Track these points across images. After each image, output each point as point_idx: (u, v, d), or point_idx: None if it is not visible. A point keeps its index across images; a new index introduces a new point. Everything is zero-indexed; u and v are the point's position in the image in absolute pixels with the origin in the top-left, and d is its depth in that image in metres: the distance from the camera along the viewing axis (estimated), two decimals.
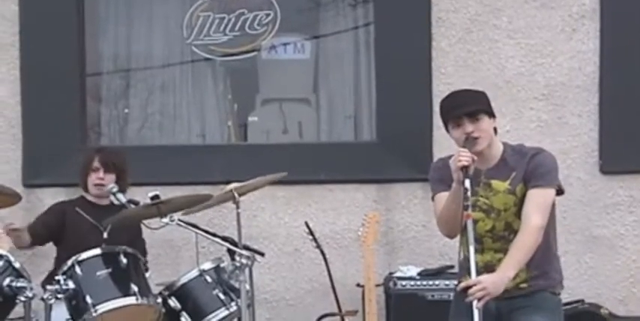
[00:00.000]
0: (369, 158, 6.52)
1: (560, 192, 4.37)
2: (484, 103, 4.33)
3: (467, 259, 4.07)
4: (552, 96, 6.41)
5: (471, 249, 4.05)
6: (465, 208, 4.09)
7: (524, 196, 4.27)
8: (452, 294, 5.80)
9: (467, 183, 4.10)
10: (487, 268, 4.25)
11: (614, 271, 6.40)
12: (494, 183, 4.28)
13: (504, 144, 4.39)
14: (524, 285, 4.30)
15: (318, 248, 5.96)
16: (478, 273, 4.15)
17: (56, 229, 5.60)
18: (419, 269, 6.14)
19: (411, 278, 6.04)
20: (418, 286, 5.99)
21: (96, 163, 5.62)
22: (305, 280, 6.50)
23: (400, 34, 6.48)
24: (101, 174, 5.60)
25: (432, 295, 5.95)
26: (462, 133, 4.25)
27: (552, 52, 6.41)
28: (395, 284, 6.00)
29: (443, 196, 4.33)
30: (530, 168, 4.27)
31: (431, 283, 5.99)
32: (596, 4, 6.37)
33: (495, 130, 4.34)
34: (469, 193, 4.09)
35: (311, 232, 5.96)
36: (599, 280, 6.42)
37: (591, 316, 6.07)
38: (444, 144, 6.37)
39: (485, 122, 4.27)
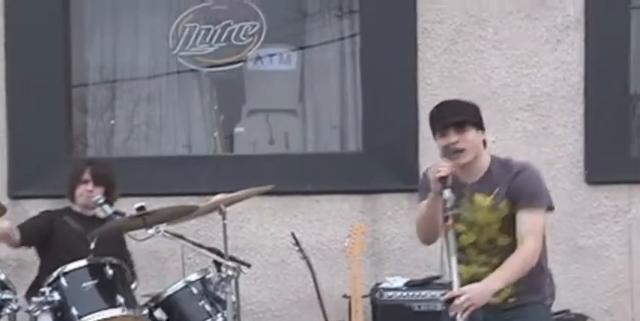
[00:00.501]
0: (356, 169, 6.52)
1: (550, 208, 4.31)
2: (472, 115, 4.28)
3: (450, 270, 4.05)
4: (538, 106, 6.43)
5: (453, 260, 4.04)
6: (445, 219, 4.07)
7: (510, 212, 4.20)
8: (439, 305, 5.88)
9: (446, 193, 4.08)
10: (472, 281, 4.18)
11: (599, 281, 6.41)
12: (477, 198, 4.22)
13: (492, 157, 4.33)
14: (512, 300, 4.24)
15: (305, 259, 5.95)
16: (462, 285, 4.12)
17: (45, 234, 5.58)
18: (405, 280, 6.13)
19: (397, 289, 6.04)
20: (405, 296, 5.99)
21: (86, 176, 5.61)
22: (291, 291, 6.50)
23: (386, 45, 6.49)
24: (90, 187, 5.59)
25: (419, 306, 5.95)
26: (446, 143, 4.21)
27: (537, 63, 6.44)
28: (381, 295, 6.00)
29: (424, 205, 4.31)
30: (516, 186, 4.20)
31: (417, 293, 5.99)
32: (580, 14, 6.40)
33: (485, 143, 4.29)
34: (448, 204, 4.06)
35: (297, 243, 5.95)
36: (585, 290, 6.43)
37: None
38: (431, 154, 6.38)
39: (472, 134, 4.22)
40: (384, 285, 6.11)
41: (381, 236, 6.47)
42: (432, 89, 6.45)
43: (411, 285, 6.06)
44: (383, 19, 6.49)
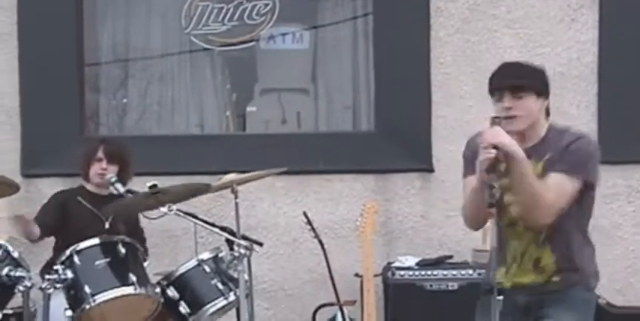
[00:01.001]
0: (368, 148, 6.52)
1: (590, 188, 4.02)
2: (534, 79, 3.99)
3: (495, 250, 3.81)
4: (551, 86, 6.36)
5: (493, 251, 3.80)
6: (490, 205, 3.77)
7: None
8: (450, 284, 5.90)
9: (494, 178, 3.76)
10: (518, 256, 4.02)
11: (612, 260, 6.40)
12: (531, 163, 3.89)
13: (550, 125, 4.05)
14: (556, 278, 4.02)
15: (317, 238, 5.96)
16: (514, 259, 3.99)
17: (60, 220, 5.59)
18: (417, 259, 6.14)
19: (409, 268, 6.05)
20: (416, 276, 5.99)
21: (100, 154, 5.62)
22: (303, 270, 6.51)
23: (399, 24, 6.47)
24: (104, 164, 5.59)
25: (431, 285, 5.95)
26: (501, 108, 3.93)
27: (551, 42, 6.41)
28: (393, 274, 6.01)
29: (470, 182, 4.01)
30: (566, 152, 3.93)
31: (429, 273, 6.00)
32: None
33: (548, 111, 4.03)
34: (495, 191, 3.75)
35: (309, 222, 5.95)
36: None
37: None
38: (443, 133, 6.41)
39: (530, 101, 3.94)
40: (396, 264, 6.11)
41: (393, 216, 6.47)
42: (445, 68, 6.43)
43: (423, 264, 6.06)
44: None
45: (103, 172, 5.58)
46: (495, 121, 3.87)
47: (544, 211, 3.90)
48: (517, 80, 3.94)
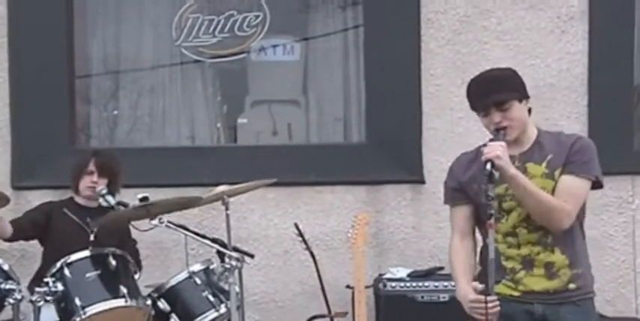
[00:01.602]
0: (359, 160, 6.52)
1: (598, 185, 4.08)
2: (513, 88, 4.02)
3: (491, 263, 3.83)
4: (541, 97, 6.41)
5: (491, 264, 3.81)
6: (489, 216, 3.79)
7: None
8: (442, 295, 5.89)
9: (490, 189, 3.80)
10: (525, 262, 4.02)
11: (603, 271, 6.40)
12: (530, 166, 4.00)
13: (539, 129, 4.13)
14: (572, 285, 4.04)
15: (308, 250, 5.96)
16: (514, 271, 4.00)
17: (40, 228, 5.59)
18: (408, 271, 6.14)
19: (400, 280, 6.05)
20: (408, 287, 5.99)
21: (91, 167, 5.61)
22: (295, 282, 6.50)
23: (389, 35, 6.48)
24: (95, 178, 5.59)
25: (422, 297, 5.95)
26: (489, 122, 3.98)
27: (541, 54, 6.43)
28: (384, 286, 6.01)
29: (455, 211, 4.12)
30: (572, 152, 3.98)
31: (420, 284, 5.99)
32: (584, 5, 6.39)
33: (529, 111, 4.07)
34: (492, 201, 3.79)
35: (300, 234, 5.96)
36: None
37: None
38: (434, 145, 6.42)
39: (516, 109, 3.99)
40: (388, 276, 6.11)
41: (385, 227, 6.47)
42: (435, 80, 6.45)
43: (415, 276, 6.07)
44: (386, 10, 6.49)
45: (93, 185, 5.57)
46: (499, 132, 3.95)
47: (562, 216, 3.95)
48: (499, 95, 3.98)
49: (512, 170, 3.88)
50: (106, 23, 6.98)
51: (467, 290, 3.96)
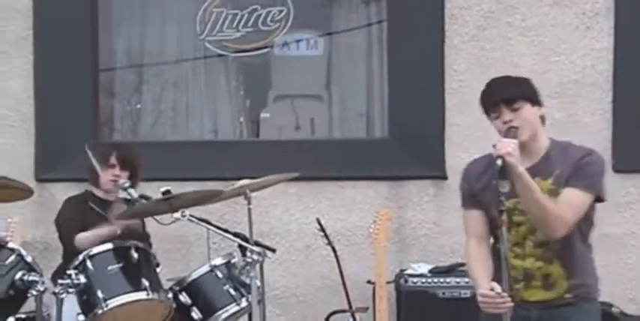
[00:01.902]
0: (381, 155, 6.51)
1: (599, 200, 4.05)
2: (524, 89, 4.02)
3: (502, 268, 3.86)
4: (565, 94, 6.39)
5: (503, 253, 3.84)
6: (500, 213, 3.82)
7: None
8: (463, 292, 5.88)
9: (504, 184, 3.79)
10: (525, 276, 4.03)
11: (625, 269, 6.38)
12: (537, 182, 3.94)
13: (551, 139, 4.08)
14: (568, 296, 4.04)
15: (330, 245, 5.96)
16: (515, 280, 3.98)
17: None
18: (430, 266, 6.13)
19: (422, 275, 6.04)
20: (429, 283, 5.98)
21: (113, 160, 5.60)
22: (316, 277, 6.51)
23: (413, 31, 6.47)
24: (117, 171, 5.58)
25: (443, 293, 5.94)
26: (501, 123, 3.96)
27: (566, 50, 6.40)
28: (406, 281, 6.00)
29: (471, 216, 4.12)
30: (579, 166, 3.96)
31: (442, 280, 5.99)
32: (610, 2, 6.35)
33: (543, 119, 4.04)
34: (503, 198, 3.79)
35: (322, 229, 5.96)
36: (611, 278, 6.37)
37: (603, 315, 5.99)
38: (456, 141, 6.40)
39: (527, 111, 3.96)
40: (409, 271, 6.10)
41: (407, 223, 6.46)
42: (459, 75, 6.43)
43: (436, 272, 6.06)
44: (410, 5, 6.47)
45: (115, 178, 5.57)
46: (511, 130, 3.92)
47: (558, 224, 3.93)
48: (508, 92, 3.98)
49: (521, 169, 3.85)
50: (130, 17, 7.00)
51: (485, 286, 3.94)
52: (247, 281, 5.05)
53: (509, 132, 3.93)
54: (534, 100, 4.03)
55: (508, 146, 3.84)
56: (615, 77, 6.36)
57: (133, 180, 5.56)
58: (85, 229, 5.52)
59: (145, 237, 5.70)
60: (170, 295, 5.13)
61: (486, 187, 4.05)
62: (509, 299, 3.86)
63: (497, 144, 3.89)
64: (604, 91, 6.39)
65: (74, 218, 5.58)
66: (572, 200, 3.95)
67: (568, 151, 4.05)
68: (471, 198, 4.14)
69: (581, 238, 4.10)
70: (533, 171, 3.95)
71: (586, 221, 4.08)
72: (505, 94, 3.97)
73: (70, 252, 5.43)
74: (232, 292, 5.22)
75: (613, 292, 6.33)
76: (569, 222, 3.94)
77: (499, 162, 3.82)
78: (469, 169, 4.21)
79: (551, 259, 4.02)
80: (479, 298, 3.93)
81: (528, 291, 4.06)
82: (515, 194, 3.91)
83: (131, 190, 5.43)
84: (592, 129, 6.38)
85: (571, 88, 6.40)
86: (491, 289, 3.88)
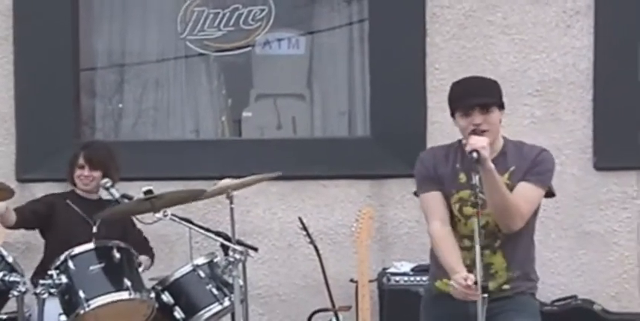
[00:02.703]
0: (363, 154, 6.52)
1: (550, 194, 4.28)
2: (497, 95, 4.20)
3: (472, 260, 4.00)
4: (546, 92, 6.41)
5: (477, 248, 3.93)
6: (474, 205, 3.93)
7: None
8: None
9: (475, 178, 3.94)
10: (473, 265, 4.07)
11: (607, 267, 6.41)
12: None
13: (504, 138, 4.28)
14: (506, 287, 4.20)
15: (312, 244, 5.96)
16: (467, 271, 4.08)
17: (43, 219, 5.58)
18: (412, 265, 6.13)
19: (404, 274, 6.05)
20: (412, 281, 5.99)
21: (81, 160, 5.61)
22: (298, 276, 6.51)
23: (394, 30, 6.48)
24: (86, 171, 5.59)
25: None
26: (469, 124, 4.11)
27: (546, 48, 6.42)
28: (388, 280, 6.01)
29: (432, 197, 4.25)
30: (534, 163, 4.16)
31: (424, 278, 5.96)
32: (590, 0, 6.37)
33: (499, 121, 4.21)
34: (478, 190, 3.92)
35: (304, 228, 5.96)
36: (592, 276, 6.42)
37: (584, 312, 6.08)
38: (438, 139, 6.39)
39: (495, 115, 4.14)
40: (392, 270, 6.11)
41: (389, 221, 6.47)
42: (440, 74, 6.44)
43: (418, 270, 6.05)
44: (391, 4, 6.48)
45: (84, 178, 5.59)
46: (476, 131, 4.08)
47: (516, 217, 4.12)
48: (486, 98, 4.14)
49: (490, 163, 4.00)
50: (111, 16, 6.97)
51: (461, 270, 4.09)
52: (230, 280, 5.05)
53: (474, 132, 4.08)
54: (502, 104, 4.21)
55: (483, 142, 3.99)
56: (595, 75, 6.38)
57: (105, 178, 5.55)
58: (53, 222, 5.55)
59: (134, 234, 5.69)
60: (152, 294, 5.12)
61: (444, 176, 4.23)
62: (479, 292, 3.93)
63: (470, 139, 4.04)
64: (585, 89, 6.41)
65: (35, 201, 5.67)
66: (528, 195, 4.14)
67: (523, 149, 4.25)
68: (430, 181, 4.27)
69: (527, 232, 4.26)
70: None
71: (534, 215, 4.26)
72: (482, 100, 4.12)
73: (50, 248, 5.44)
74: (215, 291, 5.22)
75: (594, 289, 6.38)
76: (525, 215, 4.14)
77: (474, 155, 3.96)
78: (426, 156, 4.37)
79: (496, 250, 4.17)
80: (452, 283, 4.05)
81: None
82: (468, 186, 4.04)
83: (113, 190, 5.44)
84: (573, 127, 6.41)
85: (552, 87, 6.42)
86: (465, 279, 3.98)
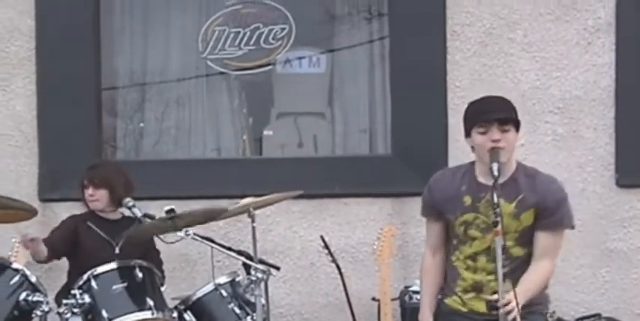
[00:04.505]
0: (384, 172, 6.51)
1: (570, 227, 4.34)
2: (514, 113, 4.20)
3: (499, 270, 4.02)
4: (568, 109, 6.39)
5: (499, 265, 3.97)
6: (495, 224, 3.95)
7: (531, 224, 4.19)
8: None
9: (495, 196, 3.97)
10: (475, 287, 4.23)
11: (631, 284, 6.37)
12: (501, 203, 4.04)
13: (518, 163, 4.27)
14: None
15: (334, 262, 5.96)
16: (466, 291, 4.22)
17: (70, 244, 5.60)
18: None
19: None
20: None
21: (85, 181, 5.65)
22: (320, 294, 6.49)
23: (415, 47, 6.48)
24: (90, 191, 5.63)
25: None
26: (487, 140, 4.10)
27: (567, 66, 6.40)
28: (410, 298, 5.99)
29: (429, 226, 4.38)
30: (550, 204, 4.16)
31: None
32: (611, 17, 6.36)
33: (514, 143, 4.22)
34: (498, 209, 3.95)
35: (326, 246, 5.95)
36: (616, 294, 6.38)
37: None
38: (460, 157, 6.37)
39: (512, 134, 4.15)
40: (413, 288, 6.07)
41: (410, 239, 6.45)
42: (461, 92, 6.43)
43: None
44: (412, 22, 6.48)
45: (91, 198, 5.62)
46: (495, 151, 4.09)
47: (547, 281, 4.28)
48: (506, 114, 4.15)
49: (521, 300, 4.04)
50: (132, 36, 7.01)
51: (427, 315, 4.34)
52: (252, 299, 5.05)
53: (494, 152, 4.08)
54: (518, 126, 4.20)
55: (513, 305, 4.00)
56: (617, 92, 6.36)
57: (113, 197, 5.56)
58: (77, 245, 5.56)
59: (153, 255, 5.70)
60: (175, 314, 5.14)
61: (449, 200, 4.25)
62: (512, 307, 3.99)
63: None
64: (606, 106, 6.39)
65: (59, 228, 5.67)
66: (555, 246, 4.23)
67: (536, 178, 4.22)
68: (431, 210, 4.35)
69: (530, 255, 4.26)
70: (500, 191, 4.07)
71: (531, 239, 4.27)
72: (502, 115, 4.12)
73: (73, 269, 5.45)
74: (237, 310, 5.21)
75: (618, 307, 6.34)
76: (552, 270, 4.25)
77: (495, 170, 4.01)
78: (435, 181, 4.41)
79: (505, 277, 4.09)
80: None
81: (478, 302, 4.23)
82: (474, 209, 4.14)
83: (135, 209, 5.44)
84: (595, 144, 6.39)
85: (573, 104, 6.41)
86: (487, 301, 4.09)
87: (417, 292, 5.98)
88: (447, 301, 4.38)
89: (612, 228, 6.39)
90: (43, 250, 5.38)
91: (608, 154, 6.37)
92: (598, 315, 6.14)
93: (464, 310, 4.30)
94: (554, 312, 5.95)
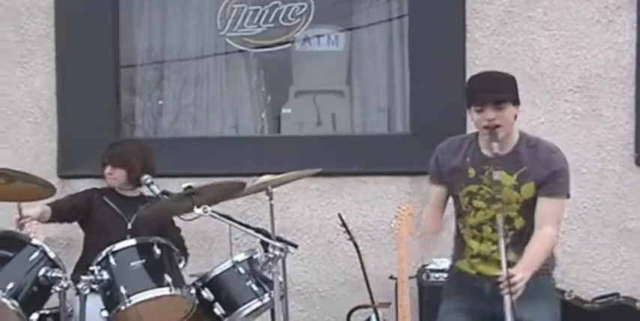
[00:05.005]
0: (403, 150, 6.50)
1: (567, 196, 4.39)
2: (512, 91, 4.27)
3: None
4: (587, 88, 6.36)
5: (501, 243, 4.10)
6: (494, 200, 4.17)
7: (533, 196, 4.26)
8: None
9: (496, 174, 4.13)
10: (482, 256, 4.36)
11: None
12: (501, 175, 4.21)
13: (521, 134, 4.34)
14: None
15: (351, 240, 5.96)
16: (472, 256, 4.36)
17: (81, 213, 5.65)
18: None
19: (444, 271, 5.99)
20: None
21: (105, 158, 5.69)
22: (338, 272, 6.51)
23: (434, 25, 6.45)
24: (109, 169, 5.66)
25: None
26: (482, 119, 4.21)
27: (588, 44, 6.37)
28: (428, 276, 5.99)
29: (434, 191, 4.53)
30: (549, 173, 4.24)
31: None
32: None
33: (515, 117, 4.28)
34: (499, 187, 4.13)
35: (344, 224, 5.95)
36: (634, 273, 6.37)
37: (626, 309, 6.03)
38: None
39: (509, 111, 4.23)
40: (431, 266, 6.09)
41: None
42: (480, 70, 6.36)
43: None
44: (431, 0, 6.45)
45: (109, 176, 5.66)
46: (492, 132, 4.19)
47: (551, 247, 4.32)
48: (500, 95, 4.21)
49: (529, 275, 4.14)
50: (151, 13, 7.01)
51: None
52: (270, 277, 5.06)
53: (493, 132, 4.19)
54: (517, 100, 4.29)
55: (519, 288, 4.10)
56: (638, 71, 6.31)
57: (131, 176, 5.58)
58: (90, 217, 5.61)
59: (172, 232, 5.72)
60: (193, 290, 5.14)
61: (455, 169, 4.38)
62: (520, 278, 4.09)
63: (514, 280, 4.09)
64: (626, 85, 6.35)
65: (74, 196, 5.75)
66: (556, 211, 4.28)
67: (537, 150, 4.29)
68: (437, 177, 4.51)
69: (532, 226, 4.32)
70: (501, 163, 4.21)
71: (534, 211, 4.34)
72: (496, 97, 4.19)
73: (87, 244, 5.50)
74: (255, 287, 5.22)
75: (637, 286, 6.33)
76: (557, 232, 4.30)
77: (496, 176, 4.16)
78: (441, 150, 4.52)
79: (507, 247, 4.21)
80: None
81: (486, 267, 4.36)
82: (478, 180, 4.26)
83: (153, 186, 5.46)
84: (614, 123, 6.35)
85: (593, 83, 6.37)
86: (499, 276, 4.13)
87: (434, 271, 6.01)
88: (458, 263, 4.53)
89: (631, 207, 6.37)
90: (46, 213, 5.44)
91: (627, 134, 6.34)
92: (616, 294, 6.12)
93: (473, 272, 4.44)
94: (571, 291, 5.97)
